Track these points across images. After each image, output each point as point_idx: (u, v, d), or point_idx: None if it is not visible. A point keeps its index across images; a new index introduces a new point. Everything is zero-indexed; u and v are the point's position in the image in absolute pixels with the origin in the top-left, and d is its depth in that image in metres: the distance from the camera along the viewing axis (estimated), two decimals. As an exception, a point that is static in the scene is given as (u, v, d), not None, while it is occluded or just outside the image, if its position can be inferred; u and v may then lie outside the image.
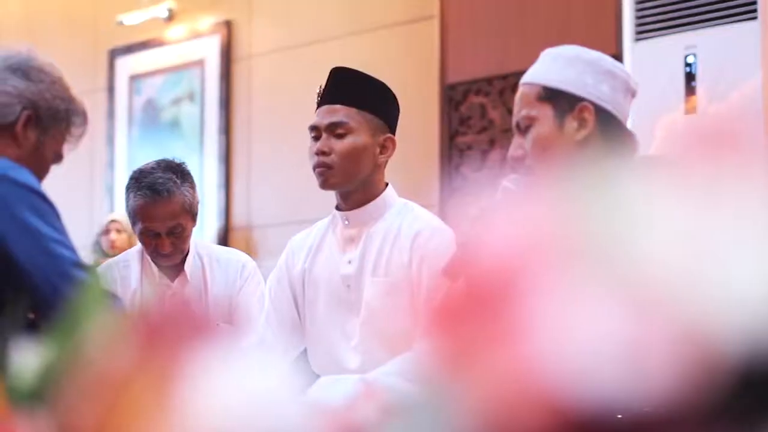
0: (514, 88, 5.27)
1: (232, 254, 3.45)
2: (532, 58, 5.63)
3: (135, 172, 3.25)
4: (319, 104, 2.78)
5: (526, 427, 0.32)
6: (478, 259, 0.35)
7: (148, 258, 3.30)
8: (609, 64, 2.32)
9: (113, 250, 5.86)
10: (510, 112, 5.39)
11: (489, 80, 5.42)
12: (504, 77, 5.37)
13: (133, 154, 6.86)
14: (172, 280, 3.32)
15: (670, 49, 4.78)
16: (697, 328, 0.35)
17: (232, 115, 6.48)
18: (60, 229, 2.07)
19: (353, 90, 2.75)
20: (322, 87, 2.79)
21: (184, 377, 0.48)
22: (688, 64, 4.77)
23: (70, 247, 2.08)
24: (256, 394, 0.49)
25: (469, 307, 0.34)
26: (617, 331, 0.33)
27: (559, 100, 2.29)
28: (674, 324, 0.34)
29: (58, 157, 2.27)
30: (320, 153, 2.71)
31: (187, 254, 3.31)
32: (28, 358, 0.76)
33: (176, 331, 0.49)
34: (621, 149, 2.30)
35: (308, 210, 5.81)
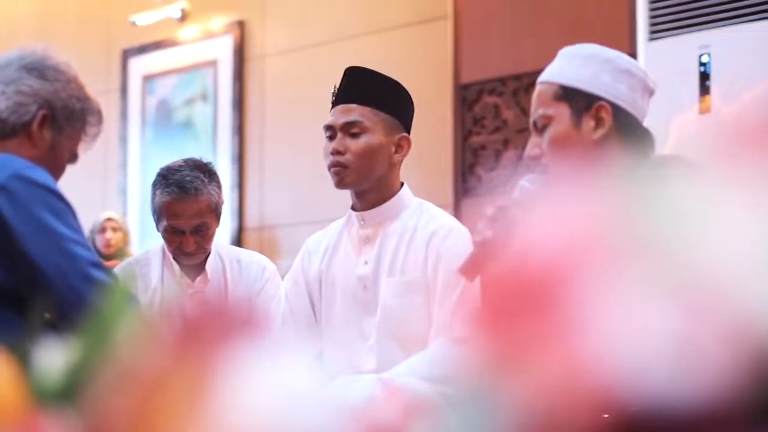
0: (528, 88, 5.32)
1: (253, 256, 3.45)
2: (547, 58, 5.61)
3: (162, 169, 3.25)
4: (334, 104, 2.78)
5: (577, 425, 0.31)
6: (515, 257, 0.34)
7: (170, 256, 3.30)
8: (626, 63, 2.30)
9: (108, 249, 5.84)
10: (524, 112, 5.39)
11: (503, 80, 5.41)
12: (518, 77, 5.36)
13: (146, 154, 6.86)
14: (193, 280, 3.32)
15: (685, 48, 4.76)
16: (749, 326, 0.34)
17: (245, 115, 6.48)
18: (77, 228, 2.07)
19: (368, 89, 2.75)
20: (337, 86, 2.79)
21: (218, 376, 0.47)
22: (702, 64, 4.76)
23: (87, 247, 2.07)
24: (288, 393, 0.48)
25: (519, 304, 0.33)
26: (669, 329, 0.33)
27: (576, 99, 2.27)
28: (727, 322, 0.33)
29: (73, 157, 2.26)
30: (335, 152, 2.70)
31: (208, 254, 3.32)
32: (53, 357, 0.76)
33: (210, 330, 0.48)
34: (639, 148, 2.29)
35: (321, 210, 5.80)
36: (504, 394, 0.32)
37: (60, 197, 2.08)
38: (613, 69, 2.29)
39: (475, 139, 5.50)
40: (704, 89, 4.77)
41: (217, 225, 3.30)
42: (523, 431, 0.32)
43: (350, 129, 2.71)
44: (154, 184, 3.24)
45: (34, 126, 2.18)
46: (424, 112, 5.33)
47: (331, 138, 2.74)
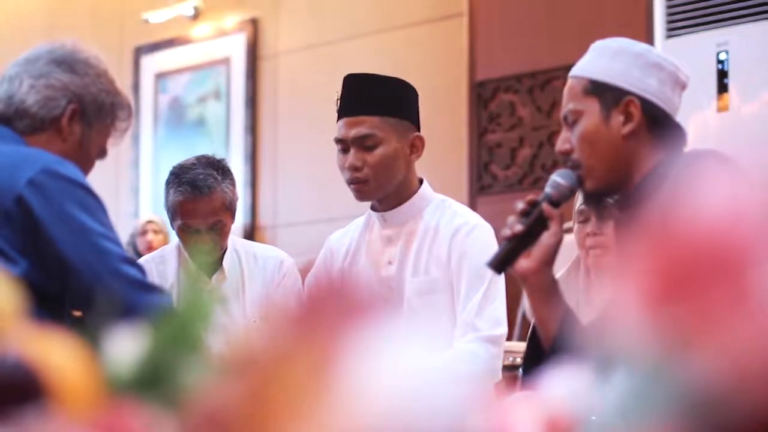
0: (544, 85, 5.30)
1: (270, 251, 3.42)
2: (562, 56, 5.61)
3: (175, 167, 3.22)
4: (340, 115, 2.73)
5: (761, 398, 0.30)
6: (690, 232, 0.33)
7: (185, 254, 3.28)
8: (657, 57, 2.29)
9: (150, 252, 5.83)
10: (539, 109, 5.38)
11: (518, 78, 5.39)
12: (533, 74, 5.34)
13: (158, 152, 6.85)
14: (210, 277, 3.30)
15: (702, 46, 4.74)
16: None
17: (258, 113, 6.47)
18: (107, 224, 2.05)
19: (373, 98, 2.70)
20: (339, 96, 2.74)
21: (342, 359, 0.46)
22: (720, 61, 4.74)
23: (117, 242, 2.06)
24: (413, 373, 0.47)
25: (697, 279, 0.32)
26: None
27: (605, 93, 2.26)
28: None
29: (102, 152, 2.25)
30: (353, 169, 2.67)
31: (225, 251, 3.29)
32: (125, 347, 0.75)
33: (330, 312, 0.47)
34: (669, 142, 2.27)
35: (334, 208, 5.79)
36: (686, 368, 0.31)
37: (90, 192, 2.06)
38: (643, 63, 2.27)
39: (491, 137, 5.48)
40: (722, 87, 4.75)
41: (233, 222, 3.27)
42: (703, 407, 0.31)
43: (363, 142, 2.67)
44: (167, 183, 3.21)
45: (64, 120, 2.16)
46: (439, 109, 5.33)
47: (343, 150, 2.70)
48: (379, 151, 2.66)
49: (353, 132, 2.67)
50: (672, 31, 4.84)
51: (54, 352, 0.71)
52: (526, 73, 5.36)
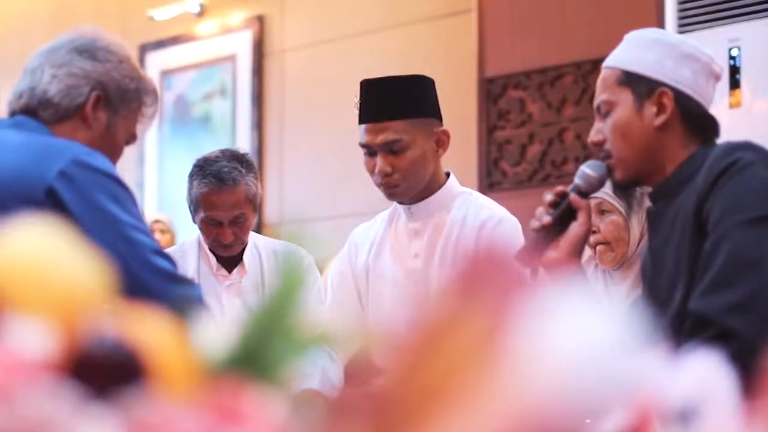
0: (554, 81, 5.28)
1: (290, 247, 3.41)
2: (572, 52, 5.58)
3: (199, 159, 3.21)
4: (362, 120, 2.70)
5: None
6: None
7: (206, 248, 3.26)
8: (690, 48, 2.27)
9: None
10: (549, 105, 5.35)
11: (528, 74, 5.36)
12: (543, 71, 5.31)
13: (163, 150, 6.82)
14: (230, 272, 3.28)
15: (714, 42, 4.72)
16: None
17: (264, 110, 6.45)
18: (137, 215, 2.03)
19: (394, 102, 2.67)
20: (358, 101, 2.71)
21: (511, 329, 0.43)
22: (732, 57, 4.72)
23: (148, 234, 2.03)
24: (591, 343, 0.44)
25: None
26: None
27: (638, 84, 2.24)
28: None
29: (132, 138, 2.22)
30: (383, 174, 2.65)
31: (245, 246, 3.28)
32: (218, 328, 0.72)
33: (500, 280, 0.44)
34: (702, 134, 2.25)
35: (341, 205, 5.77)
36: None
37: (120, 183, 2.04)
38: (677, 54, 2.25)
39: (500, 134, 5.45)
40: (734, 83, 4.74)
41: (255, 216, 3.26)
42: None
43: (391, 147, 2.65)
44: (191, 176, 3.20)
45: (88, 108, 2.14)
46: (448, 106, 5.27)
47: (370, 154, 2.68)
48: (408, 155, 2.65)
49: (380, 138, 2.65)
50: (683, 27, 4.82)
51: (152, 332, 0.68)
52: (536, 70, 5.34)
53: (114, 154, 2.16)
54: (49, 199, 1.96)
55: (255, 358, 0.66)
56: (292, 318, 0.66)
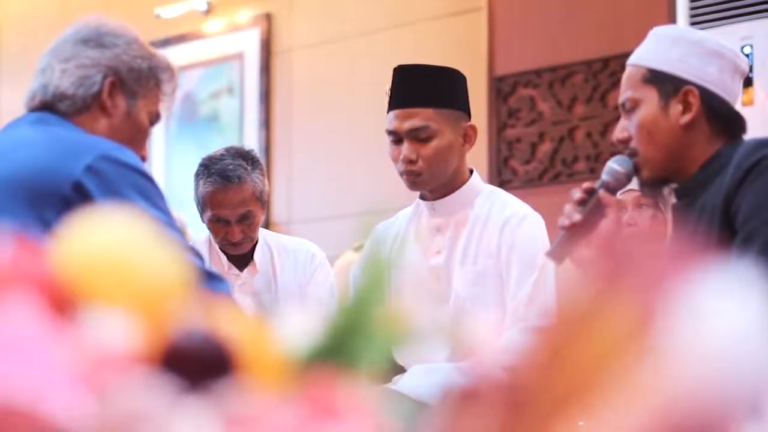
0: (564, 80, 5.26)
1: (302, 244, 3.40)
2: (583, 50, 5.57)
3: (204, 159, 3.20)
4: (391, 106, 2.70)
5: None
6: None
7: (216, 247, 3.25)
8: (715, 44, 2.26)
9: None
10: (560, 104, 5.34)
11: (538, 72, 5.35)
12: (553, 69, 5.30)
13: (170, 148, 6.80)
14: (241, 270, 3.26)
15: (726, 40, 4.68)
16: None
17: (272, 109, 6.43)
18: (166, 210, 2.02)
19: (425, 89, 2.68)
20: (390, 87, 2.72)
21: (661, 318, 0.42)
22: (744, 55, 4.71)
23: (177, 229, 2.03)
24: (736, 332, 0.43)
25: None
26: None
27: (663, 83, 2.24)
28: None
29: (156, 118, 2.21)
30: (407, 161, 2.65)
31: (256, 243, 3.27)
32: (301, 320, 0.71)
33: (649, 269, 0.43)
34: (728, 131, 2.25)
35: (350, 205, 5.75)
36: None
37: (149, 178, 2.03)
38: (702, 51, 2.24)
39: (510, 132, 5.44)
40: (746, 81, 4.72)
41: (263, 213, 3.25)
42: None
43: (418, 135, 2.65)
44: (197, 175, 3.19)
45: (105, 96, 2.12)
46: (458, 104, 5.28)
47: (396, 142, 2.69)
48: (433, 144, 2.65)
49: (407, 124, 2.65)
50: (695, 25, 4.81)
51: (237, 325, 0.67)
52: (546, 68, 5.33)
53: (141, 138, 2.15)
54: (77, 194, 1.95)
55: (343, 351, 0.66)
56: (380, 310, 0.65)
